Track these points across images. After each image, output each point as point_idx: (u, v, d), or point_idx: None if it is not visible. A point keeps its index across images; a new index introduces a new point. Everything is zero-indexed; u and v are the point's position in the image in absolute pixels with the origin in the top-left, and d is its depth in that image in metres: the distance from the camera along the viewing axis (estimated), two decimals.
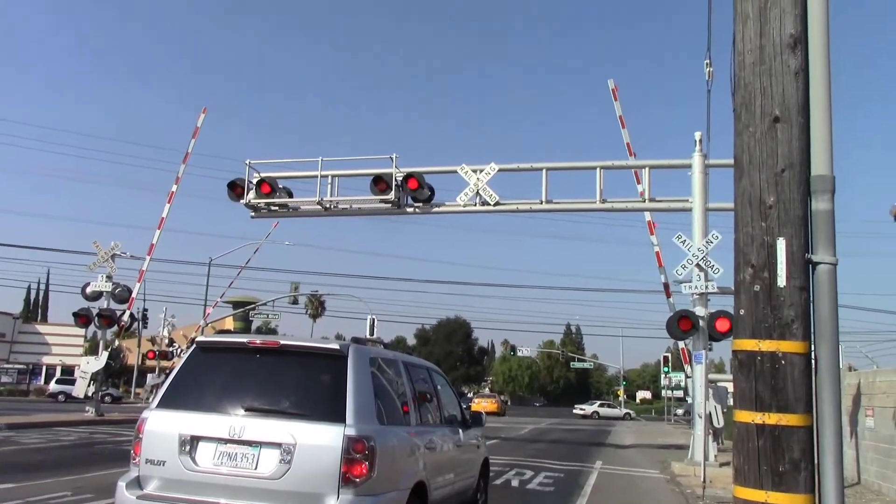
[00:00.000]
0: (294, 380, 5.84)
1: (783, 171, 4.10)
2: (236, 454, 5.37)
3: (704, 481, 12.80)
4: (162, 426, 5.60)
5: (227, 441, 5.40)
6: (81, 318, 27.21)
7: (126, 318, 27.77)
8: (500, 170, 20.96)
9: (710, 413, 16.55)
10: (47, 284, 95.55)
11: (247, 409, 5.56)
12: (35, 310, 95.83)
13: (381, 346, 6.94)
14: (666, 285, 22.00)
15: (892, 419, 13.68)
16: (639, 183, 21.42)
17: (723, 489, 13.65)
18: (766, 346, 4.00)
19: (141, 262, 28.06)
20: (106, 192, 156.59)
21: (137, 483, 5.56)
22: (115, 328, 27.49)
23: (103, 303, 27.11)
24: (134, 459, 5.65)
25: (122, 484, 5.56)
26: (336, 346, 5.80)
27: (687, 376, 20.90)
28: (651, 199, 20.06)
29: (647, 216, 22.43)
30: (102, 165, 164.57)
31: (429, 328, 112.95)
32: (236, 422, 5.44)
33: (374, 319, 40.24)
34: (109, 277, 27.06)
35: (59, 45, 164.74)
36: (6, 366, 67.00)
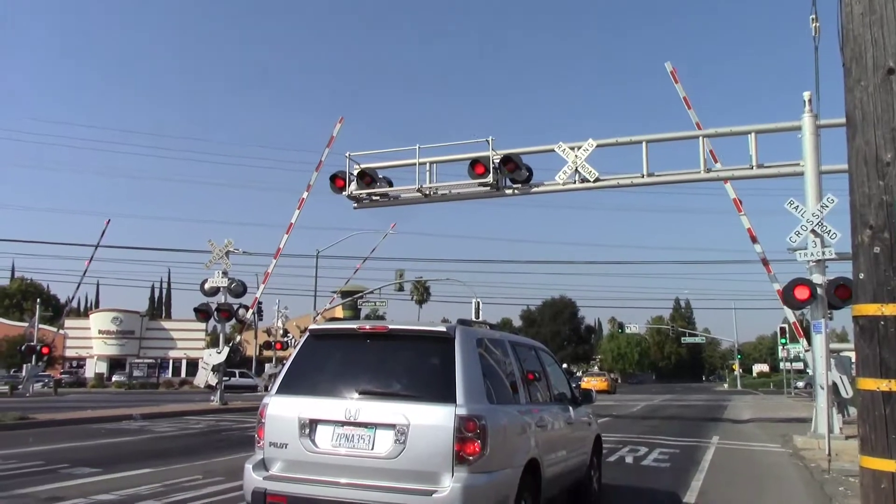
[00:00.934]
0: (404, 363, 5.99)
1: None
2: (353, 436, 5.58)
3: (830, 454, 12.26)
4: (282, 411, 5.88)
5: (343, 423, 5.61)
6: (201, 314, 28.71)
7: (249, 315, 29.30)
8: (598, 145, 20.61)
9: (834, 384, 15.81)
10: (169, 283, 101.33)
11: (361, 393, 5.75)
12: (160, 307, 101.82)
13: (487, 328, 7.01)
14: (764, 260, 21.07)
15: None
16: (716, 161, 20.43)
17: (850, 462, 13.02)
18: (890, 309, 3.82)
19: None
20: (218, 192, 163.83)
21: (263, 465, 5.86)
22: (235, 322, 29.03)
23: (221, 298, 28.47)
24: (258, 443, 5.96)
25: (248, 466, 5.87)
26: (443, 329, 5.91)
27: (805, 350, 20.00)
28: (760, 166, 19.25)
29: (732, 193, 21.31)
30: (214, 167, 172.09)
31: (534, 309, 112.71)
32: (351, 405, 5.64)
33: (478, 303, 40.45)
34: (225, 273, 28.38)
35: (168, 60, 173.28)
36: (137, 360, 71.60)
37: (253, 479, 5.77)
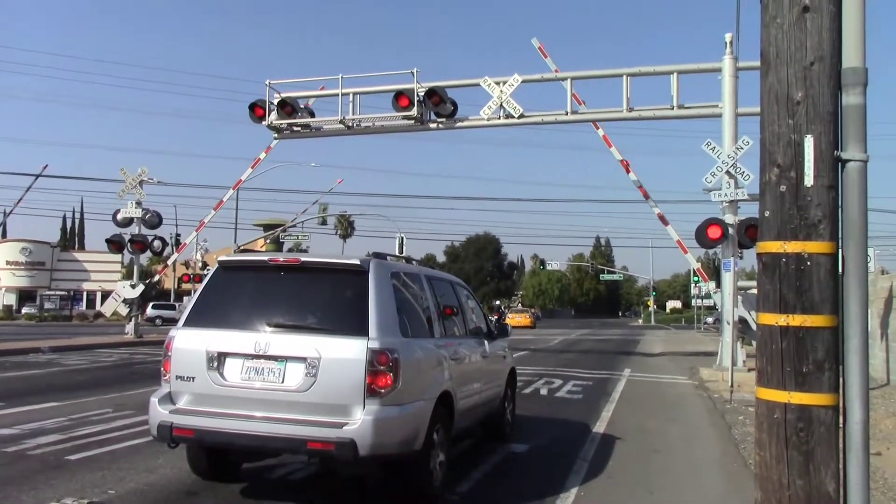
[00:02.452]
0: (317, 296, 5.88)
1: (812, 64, 3.89)
2: (263, 369, 5.48)
3: (732, 386, 12.88)
4: (189, 344, 5.72)
5: (253, 356, 5.50)
6: (114, 245, 27.69)
7: (174, 257, 28.74)
8: (523, 81, 20.50)
9: (743, 319, 16.54)
10: (82, 213, 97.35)
11: (271, 325, 5.64)
12: (72, 238, 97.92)
13: (404, 262, 6.94)
14: (661, 216, 21.57)
15: None
16: (580, 104, 20.49)
17: (750, 393, 13.70)
18: (792, 247, 3.89)
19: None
20: (134, 118, 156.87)
21: (169, 398, 5.72)
22: (151, 254, 28.25)
23: (135, 229, 27.50)
24: (165, 376, 5.81)
25: (154, 400, 5.72)
26: (357, 262, 5.81)
27: (713, 291, 20.83)
28: (680, 106, 19.54)
29: (618, 156, 21.40)
30: (131, 93, 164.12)
31: (458, 245, 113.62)
32: (262, 338, 5.52)
33: (402, 238, 40.47)
34: (139, 203, 27.34)
35: None
36: (48, 293, 69.02)
37: (159, 412, 5.63)
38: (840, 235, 3.96)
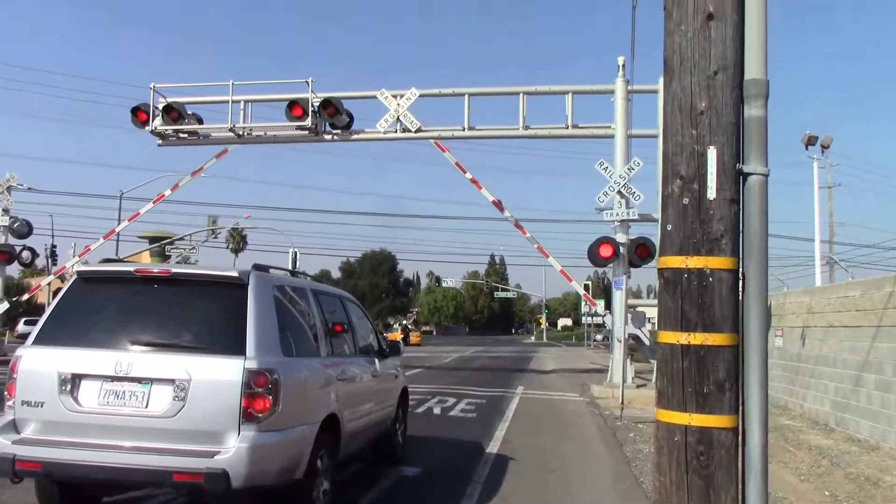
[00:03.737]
0: (189, 311, 5.35)
1: (716, 73, 3.77)
2: (124, 392, 4.91)
3: (623, 403, 12.98)
4: (39, 364, 5.08)
5: (113, 378, 4.92)
6: None
7: (49, 277, 26.81)
8: (421, 95, 20.28)
9: (633, 335, 16.82)
10: None
11: (136, 344, 5.07)
12: None
13: (289, 275, 6.49)
14: (541, 249, 21.87)
15: (800, 339, 14.14)
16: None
17: (640, 410, 13.95)
18: (694, 262, 3.74)
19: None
20: (4, 121, 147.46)
21: (13, 426, 5.03)
22: (21, 267, 26.21)
23: (1, 238, 25.48)
24: (8, 401, 5.12)
25: None
26: (235, 274, 5.32)
27: (602, 315, 21.29)
28: (574, 126, 19.81)
29: (490, 196, 21.28)
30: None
31: (354, 261, 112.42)
32: (123, 357, 4.95)
33: (296, 252, 39.54)
34: (6, 211, 25.36)
35: None
36: None
37: (0, 443, 4.93)
38: (741, 251, 3.85)
